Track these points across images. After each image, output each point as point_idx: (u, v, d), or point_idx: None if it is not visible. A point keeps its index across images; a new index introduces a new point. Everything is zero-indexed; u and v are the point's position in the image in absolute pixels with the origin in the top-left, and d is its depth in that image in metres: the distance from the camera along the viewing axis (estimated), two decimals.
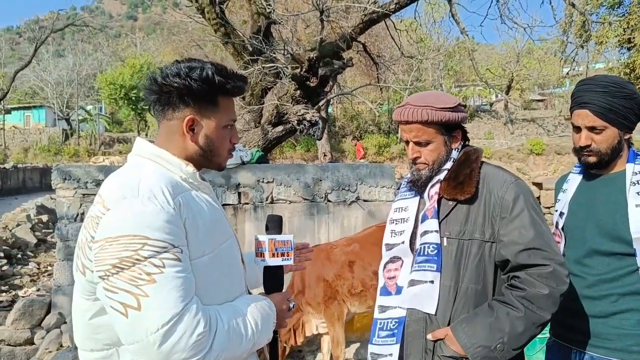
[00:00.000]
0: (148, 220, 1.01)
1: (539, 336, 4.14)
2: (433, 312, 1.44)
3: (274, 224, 1.37)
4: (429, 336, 1.44)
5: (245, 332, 1.11)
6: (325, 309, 3.39)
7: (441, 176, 1.50)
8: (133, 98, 31.32)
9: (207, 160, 1.24)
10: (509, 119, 28.50)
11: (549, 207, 11.72)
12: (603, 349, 1.57)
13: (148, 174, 1.11)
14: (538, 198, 12.44)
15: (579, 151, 1.67)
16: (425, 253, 1.47)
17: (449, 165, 1.51)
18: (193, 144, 1.20)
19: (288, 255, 1.34)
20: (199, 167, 1.24)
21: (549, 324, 1.80)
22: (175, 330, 0.98)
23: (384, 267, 1.61)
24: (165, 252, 1.01)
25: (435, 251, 1.45)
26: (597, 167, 1.66)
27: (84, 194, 4.05)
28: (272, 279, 1.35)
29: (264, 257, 1.31)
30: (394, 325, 1.52)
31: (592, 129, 1.61)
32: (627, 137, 1.64)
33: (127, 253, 0.99)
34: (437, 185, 1.49)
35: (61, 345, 3.81)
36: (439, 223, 1.47)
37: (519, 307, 1.35)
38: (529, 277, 1.37)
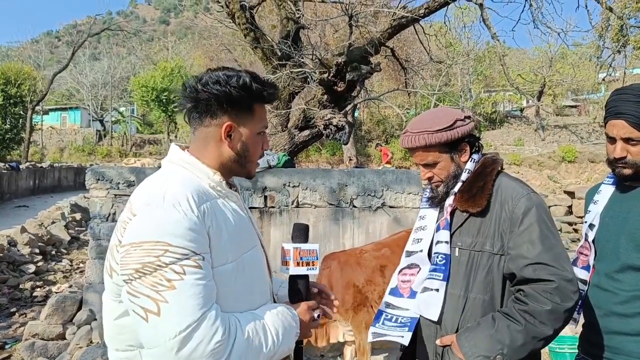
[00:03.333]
0: (171, 227, 1.03)
1: (569, 351, 3.97)
2: (435, 319, 1.50)
3: (300, 233, 1.37)
4: (437, 342, 1.50)
5: (266, 341, 1.11)
6: (353, 315, 3.31)
7: (456, 188, 1.54)
8: (164, 100, 32.09)
9: (240, 166, 1.26)
10: (540, 125, 27.79)
11: (581, 217, 11.35)
12: None
13: (175, 182, 1.13)
14: (570, 207, 12.06)
15: (613, 163, 1.61)
16: (435, 262, 1.54)
17: (464, 176, 1.54)
18: (229, 150, 1.22)
19: (313, 265, 1.33)
20: (230, 175, 1.27)
21: (579, 339, 1.76)
22: (192, 337, 0.99)
23: (400, 271, 1.68)
24: (186, 259, 1.03)
25: (444, 261, 1.51)
26: (632, 179, 1.59)
27: (115, 195, 4.17)
28: (297, 288, 1.33)
29: (289, 265, 1.31)
30: (405, 320, 1.59)
31: (627, 140, 1.55)
32: None
33: (149, 259, 1.01)
34: (452, 197, 1.54)
35: (91, 342, 3.92)
36: (452, 234, 1.52)
37: (520, 320, 1.37)
38: (532, 292, 1.38)
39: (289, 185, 4.35)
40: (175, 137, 33.35)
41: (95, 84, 38.20)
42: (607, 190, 1.71)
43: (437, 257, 1.52)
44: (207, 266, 1.06)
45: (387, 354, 3.81)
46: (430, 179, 1.58)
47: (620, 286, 1.56)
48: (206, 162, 1.21)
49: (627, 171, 1.58)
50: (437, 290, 1.50)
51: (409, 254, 1.66)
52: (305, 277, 1.35)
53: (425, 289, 1.54)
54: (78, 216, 10.79)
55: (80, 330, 4.03)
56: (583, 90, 32.15)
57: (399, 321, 1.61)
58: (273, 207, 4.31)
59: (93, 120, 38.64)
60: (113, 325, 1.15)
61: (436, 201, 1.60)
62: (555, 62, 27.65)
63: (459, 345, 1.42)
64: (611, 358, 1.57)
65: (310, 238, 1.40)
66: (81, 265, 7.68)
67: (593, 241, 1.67)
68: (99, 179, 4.18)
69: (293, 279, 1.33)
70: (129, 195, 4.00)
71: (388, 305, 1.68)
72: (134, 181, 4.16)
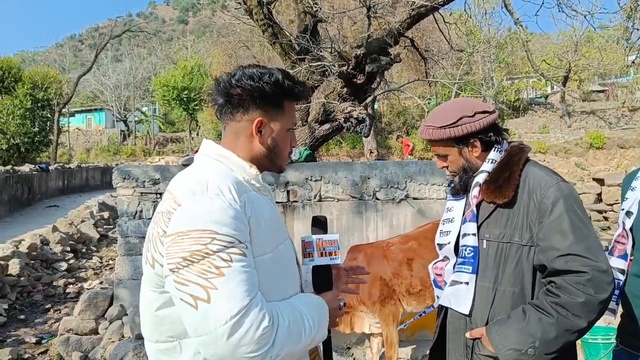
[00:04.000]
0: (217, 215, 1.05)
1: (602, 341, 3.88)
2: (467, 313, 1.50)
3: (320, 225, 1.40)
4: (467, 334, 1.49)
5: (304, 328, 1.13)
6: (380, 308, 3.30)
7: (480, 179, 1.51)
8: (184, 99, 32.46)
9: (270, 162, 1.28)
10: (566, 111, 27.05)
11: (612, 205, 11.04)
12: None
13: (215, 173, 1.16)
14: (599, 195, 11.71)
15: None
16: (463, 255, 1.52)
17: (489, 167, 1.51)
18: (260, 145, 1.24)
19: (336, 255, 1.35)
20: (261, 170, 1.28)
21: (617, 330, 1.71)
22: (243, 323, 1.00)
23: (434, 264, 1.71)
24: (232, 246, 1.04)
25: (472, 254, 1.49)
26: None
27: (142, 193, 4.25)
28: (322, 279, 1.36)
29: (312, 257, 1.34)
30: (429, 310, 1.71)
31: None
32: None
33: (197, 247, 1.02)
34: (477, 189, 1.51)
35: (122, 336, 4.02)
36: (480, 225, 1.50)
37: (552, 313, 1.35)
38: (565, 284, 1.35)
39: (311, 180, 4.35)
40: (197, 134, 33.77)
41: (118, 85, 38.98)
42: None
43: (465, 250, 1.51)
44: (249, 255, 1.08)
45: (414, 346, 3.79)
46: (446, 167, 1.61)
47: None
48: (240, 156, 1.23)
49: None
50: (467, 283, 1.49)
51: (440, 246, 1.67)
52: (329, 267, 1.38)
53: (453, 282, 1.54)
54: (106, 214, 11.06)
55: (112, 325, 4.14)
56: (611, 74, 31.10)
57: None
58: (296, 201, 4.32)
59: (117, 120, 39.47)
60: (153, 316, 1.16)
61: (456, 191, 1.61)
62: (580, 46, 26.80)
63: (489, 338, 1.41)
64: None
65: (334, 231, 1.42)
66: (110, 262, 7.88)
67: (631, 229, 1.62)
68: (125, 178, 4.27)
69: (317, 269, 1.36)
70: (155, 193, 4.06)
71: (437, 298, 1.71)
72: (158, 179, 4.23)
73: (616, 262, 1.63)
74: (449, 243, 1.60)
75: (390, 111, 29.17)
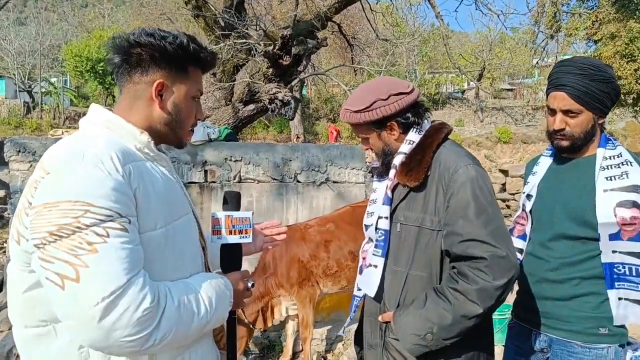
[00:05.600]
0: (92, 186, 0.94)
1: (497, 317, 4.22)
2: (372, 296, 1.51)
3: (232, 200, 1.32)
4: (379, 318, 1.50)
5: (198, 310, 1.06)
6: (298, 290, 3.31)
7: (397, 162, 1.47)
8: (100, 72, 30.08)
9: (171, 130, 1.18)
10: (479, 107, 28.98)
11: (514, 194, 12.07)
12: (563, 331, 1.59)
13: (96, 140, 1.03)
14: (504, 185, 12.75)
15: (552, 134, 1.64)
16: (376, 238, 1.51)
17: (407, 148, 1.47)
18: (160, 110, 1.15)
19: (246, 233, 1.29)
20: (159, 140, 1.19)
21: (512, 305, 1.84)
22: (117, 304, 0.90)
23: (362, 246, 1.69)
24: (110, 220, 0.94)
25: (383, 237, 1.48)
26: (569, 151, 1.64)
27: None
28: (229, 258, 1.29)
29: (220, 234, 1.27)
30: (357, 301, 1.66)
31: (567, 112, 1.58)
32: (600, 121, 1.62)
33: (67, 220, 0.91)
34: (393, 171, 1.48)
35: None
36: (395, 208, 1.48)
37: (450, 298, 1.34)
38: (464, 269, 1.34)
39: (230, 160, 4.22)
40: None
41: (22, 52, 35.11)
42: (546, 162, 1.75)
43: (378, 233, 1.49)
44: (133, 230, 0.98)
45: (329, 327, 3.86)
46: (366, 150, 1.59)
47: (552, 254, 1.62)
48: (132, 122, 1.12)
49: (565, 143, 1.61)
50: (376, 266, 1.48)
51: (366, 228, 1.63)
52: (238, 246, 1.30)
53: (368, 265, 1.54)
54: (2, 193, 10.00)
55: (2, 313, 3.75)
56: (519, 74, 33.76)
57: (354, 303, 1.66)
58: (214, 182, 4.18)
59: (20, 90, 35.59)
60: (22, 298, 1.03)
61: (379, 173, 1.60)
62: (494, 46, 28.74)
63: (394, 322, 1.42)
64: (542, 322, 1.64)
65: (254, 213, 1.35)
66: (4, 245, 7.14)
67: (530, 211, 1.71)
68: (20, 151, 3.84)
69: (225, 248, 1.29)
70: None
71: (358, 285, 1.67)
72: None
73: (516, 242, 1.73)
74: (371, 225, 1.58)
75: (318, 97, 29.33)
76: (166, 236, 1.07)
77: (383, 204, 1.49)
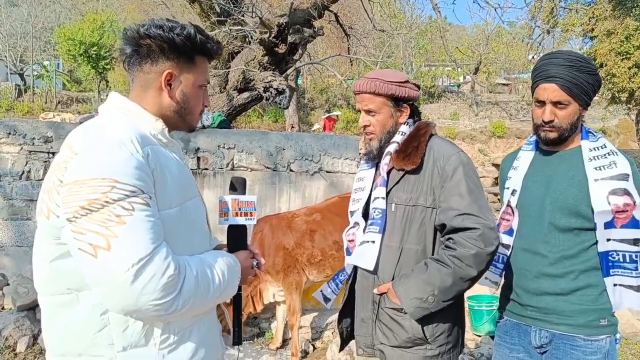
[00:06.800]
0: (117, 164, 1.02)
1: (486, 309, 4.25)
2: (371, 269, 1.63)
3: (238, 185, 1.41)
4: (375, 290, 1.64)
5: (213, 280, 1.13)
6: (284, 277, 3.39)
7: (392, 149, 1.65)
8: (93, 56, 29.66)
9: (180, 118, 1.25)
10: (474, 100, 29.04)
11: (508, 188, 12.14)
12: (565, 325, 1.58)
13: (117, 125, 1.12)
14: (496, 179, 12.83)
15: (539, 126, 1.64)
16: (372, 217, 1.66)
17: (399, 138, 1.66)
18: (169, 99, 1.22)
19: (251, 215, 1.38)
20: (171, 127, 1.26)
21: (499, 302, 1.84)
22: (145, 270, 0.98)
23: (347, 231, 1.80)
24: (134, 196, 1.02)
25: (380, 215, 1.63)
26: (555, 142, 1.64)
27: (30, 151, 3.82)
28: (236, 238, 1.38)
29: (227, 216, 1.35)
30: (343, 277, 1.81)
31: (556, 103, 1.58)
32: (583, 113, 1.63)
33: (95, 195, 0.99)
34: (388, 157, 1.65)
35: (3, 308, 3.65)
36: (389, 191, 1.65)
37: (449, 264, 1.53)
38: (460, 239, 1.53)
39: (224, 147, 4.21)
40: (107, 95, 31.16)
41: (14, 34, 34.51)
42: (527, 156, 1.74)
43: (375, 212, 1.64)
44: (154, 205, 1.06)
45: (316, 314, 3.89)
46: (365, 127, 1.69)
47: (549, 248, 1.61)
48: (147, 109, 1.20)
49: (553, 135, 1.61)
50: (374, 242, 1.62)
51: (352, 213, 1.78)
52: (244, 227, 1.38)
53: (362, 242, 1.67)
54: None
55: None
56: (514, 69, 33.83)
57: (339, 279, 1.82)
58: (207, 169, 4.17)
59: (11, 73, 35.07)
60: (48, 267, 1.10)
61: (371, 156, 1.72)
62: (491, 40, 28.73)
63: (395, 290, 1.56)
64: (542, 318, 1.62)
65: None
66: None
67: (516, 206, 1.70)
68: (10, 133, 3.80)
69: (232, 229, 1.37)
70: (46, 152, 3.69)
71: (349, 262, 1.79)
72: (51, 137, 3.82)
73: (503, 238, 1.71)
74: (358, 209, 1.74)
75: (313, 87, 29.22)
76: (180, 215, 1.15)
77: (380, 185, 1.65)
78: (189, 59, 1.22)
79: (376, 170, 1.74)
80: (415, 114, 1.73)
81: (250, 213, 1.38)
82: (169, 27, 1.18)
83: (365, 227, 1.69)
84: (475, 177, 1.61)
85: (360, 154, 4.65)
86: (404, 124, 1.69)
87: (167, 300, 1.01)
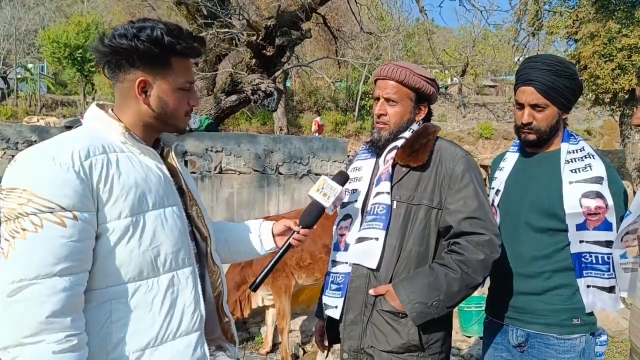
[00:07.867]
0: (40, 178, 1.03)
1: (475, 310, 4.27)
2: (374, 267, 1.54)
3: (338, 176, 1.56)
4: (371, 291, 1.54)
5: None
6: (272, 281, 3.35)
7: (398, 143, 1.59)
8: (79, 59, 29.32)
9: (162, 122, 1.23)
10: (462, 102, 29.29)
11: (493, 188, 12.25)
12: (538, 325, 1.62)
13: (72, 136, 1.12)
14: (485, 180, 12.93)
15: (520, 128, 1.69)
16: (375, 212, 1.56)
17: (407, 134, 1.61)
18: (146, 106, 1.20)
19: (328, 198, 1.49)
20: (155, 131, 1.25)
21: (485, 302, 1.86)
22: (17, 294, 0.98)
23: (337, 224, 1.70)
24: (49, 212, 1.01)
25: (384, 211, 1.54)
26: (535, 145, 1.69)
27: (13, 156, 3.75)
28: (308, 212, 1.52)
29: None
30: (340, 279, 1.63)
31: (534, 106, 1.63)
32: (564, 117, 1.67)
33: (13, 205, 1.02)
34: (394, 152, 1.59)
35: None
36: (391, 187, 1.57)
37: (457, 269, 1.48)
38: (467, 244, 1.49)
39: (211, 150, 4.18)
40: (93, 99, 30.83)
41: None
42: (512, 158, 1.80)
43: (378, 207, 1.56)
44: (76, 226, 1.03)
45: (305, 317, 3.88)
46: (380, 116, 1.62)
47: (523, 248, 1.65)
48: (122, 117, 1.20)
49: (532, 136, 1.66)
50: (377, 239, 1.54)
51: (344, 205, 1.68)
52: (320, 207, 1.51)
53: (361, 239, 1.57)
54: None
55: None
56: (501, 71, 34.22)
57: (337, 281, 1.64)
58: (194, 172, 4.13)
59: None
60: None
61: (377, 145, 1.64)
62: (477, 42, 29.04)
63: (396, 293, 1.49)
64: (518, 317, 1.66)
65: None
66: None
67: (498, 205, 1.75)
68: None
69: (311, 203, 1.53)
70: None
71: (333, 263, 1.69)
72: (35, 141, 3.76)
73: None
74: (355, 201, 1.63)
75: (302, 90, 29.21)
76: (134, 225, 1.11)
77: (384, 180, 1.57)
78: (163, 62, 1.17)
79: (376, 161, 1.66)
80: (429, 117, 1.69)
81: (328, 196, 1.48)
82: (133, 33, 1.13)
83: (362, 221, 1.60)
84: (481, 181, 1.58)
85: (349, 156, 4.65)
86: (416, 122, 1.64)
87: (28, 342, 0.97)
